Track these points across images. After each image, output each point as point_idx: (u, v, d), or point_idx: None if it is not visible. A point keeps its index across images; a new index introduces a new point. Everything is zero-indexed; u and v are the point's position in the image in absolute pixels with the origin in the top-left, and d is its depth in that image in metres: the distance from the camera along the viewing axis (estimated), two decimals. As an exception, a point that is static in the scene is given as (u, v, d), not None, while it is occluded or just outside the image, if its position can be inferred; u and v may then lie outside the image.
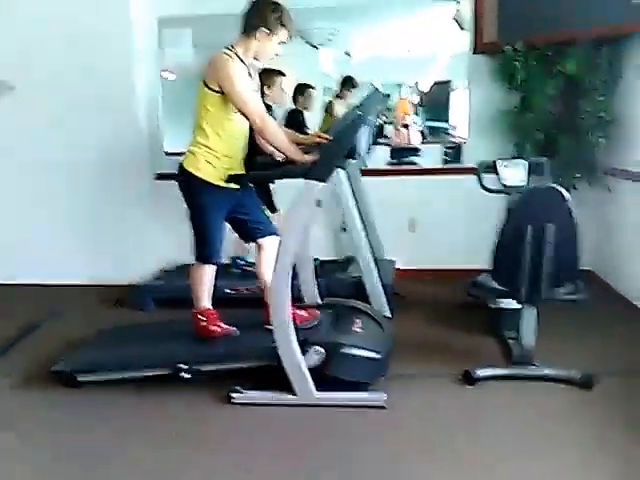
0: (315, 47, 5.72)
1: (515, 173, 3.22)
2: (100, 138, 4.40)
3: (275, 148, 2.71)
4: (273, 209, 3.99)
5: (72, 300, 4.21)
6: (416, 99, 7.13)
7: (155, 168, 4.54)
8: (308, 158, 2.56)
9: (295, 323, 2.54)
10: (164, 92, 4.69)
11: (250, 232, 2.94)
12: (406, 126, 5.69)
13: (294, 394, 2.51)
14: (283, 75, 3.98)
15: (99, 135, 4.39)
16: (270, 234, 2.89)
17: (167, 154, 4.64)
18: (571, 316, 3.19)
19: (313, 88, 5.06)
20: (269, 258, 2.82)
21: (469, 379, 2.65)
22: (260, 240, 2.90)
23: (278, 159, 3.31)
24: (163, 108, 4.66)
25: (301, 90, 4.97)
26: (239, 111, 2.63)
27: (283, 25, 2.66)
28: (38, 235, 4.58)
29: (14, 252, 4.54)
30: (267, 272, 2.82)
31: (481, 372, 2.65)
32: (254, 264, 3.89)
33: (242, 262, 4.11)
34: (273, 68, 3.87)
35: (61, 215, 4.57)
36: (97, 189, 4.50)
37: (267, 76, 3.84)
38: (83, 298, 4.27)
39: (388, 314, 3.40)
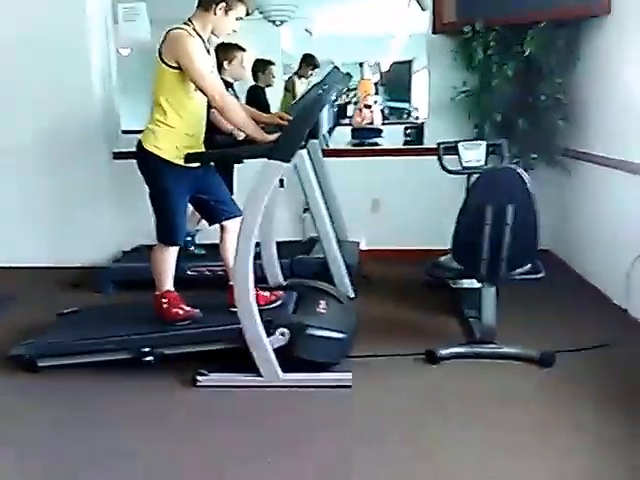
0: (275, 24, 5.64)
1: (475, 154, 3.26)
2: (55, 117, 4.26)
3: (235, 126, 2.67)
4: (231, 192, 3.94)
5: (28, 283, 4.09)
6: (377, 79, 7.13)
7: (112, 147, 4.42)
8: (269, 137, 2.54)
9: (259, 304, 2.54)
10: (120, 68, 4.56)
11: (214, 213, 2.89)
12: (369, 107, 5.70)
13: (260, 376, 2.51)
14: (243, 50, 3.89)
15: (53, 114, 4.25)
16: (235, 216, 2.85)
17: (124, 132, 4.53)
18: (530, 295, 3.26)
19: (273, 64, 4.99)
20: (233, 240, 2.79)
21: (432, 358, 2.70)
22: (225, 222, 2.86)
23: (238, 138, 3.28)
24: (119, 84, 4.53)
25: (261, 66, 4.89)
26: (197, 88, 2.58)
27: (241, 0, 2.62)
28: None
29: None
30: (231, 255, 2.81)
31: (444, 351, 2.70)
32: (196, 245, 3.91)
33: (189, 239, 3.93)
34: (232, 43, 3.79)
35: (16, 197, 4.42)
36: (52, 170, 4.35)
37: (226, 51, 3.75)
38: (40, 281, 4.14)
39: (352, 295, 3.42)
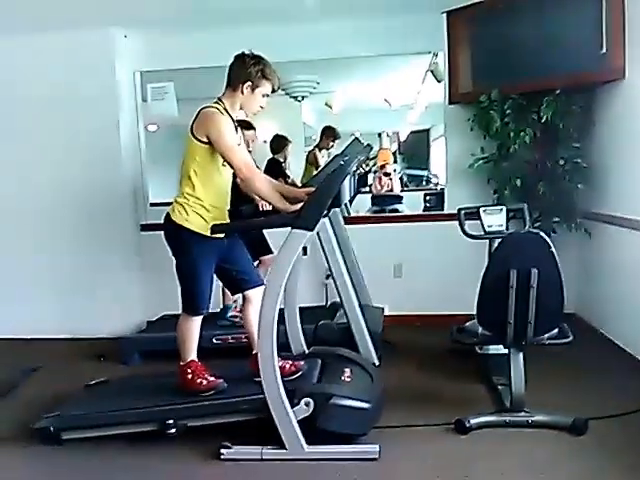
0: (297, 99, 5.86)
1: (496, 219, 3.28)
2: (86, 191, 4.43)
3: (260, 197, 2.74)
4: (268, 251, 4.00)
5: (55, 355, 4.12)
6: (395, 148, 7.29)
7: (140, 219, 4.54)
8: (292, 208, 2.60)
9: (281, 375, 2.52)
10: (148, 144, 4.75)
11: (236, 283, 2.93)
12: (388, 174, 5.81)
13: (284, 448, 2.46)
14: (252, 128, 4.01)
15: (86, 188, 4.42)
16: (257, 285, 2.88)
17: (152, 204, 4.66)
18: (558, 360, 3.20)
19: (290, 142, 5.16)
20: (256, 309, 2.81)
21: (462, 428, 2.62)
22: (247, 292, 2.89)
23: (264, 208, 3.37)
24: (147, 159, 4.71)
25: (277, 141, 5.06)
26: (226, 162, 2.67)
27: (266, 78, 2.73)
28: (20, 287, 4.53)
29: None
30: (255, 323, 2.81)
31: (473, 420, 2.63)
32: (235, 317, 3.93)
33: (229, 315, 4.01)
34: (240, 119, 3.94)
35: (45, 267, 4.53)
36: (82, 241, 4.49)
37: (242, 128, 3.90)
38: (65, 352, 4.18)
39: (376, 362, 3.38)
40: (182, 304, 2.82)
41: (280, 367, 2.58)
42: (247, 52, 2.75)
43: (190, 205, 2.72)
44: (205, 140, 2.66)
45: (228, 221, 2.86)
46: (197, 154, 2.69)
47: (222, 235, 2.78)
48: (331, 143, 5.61)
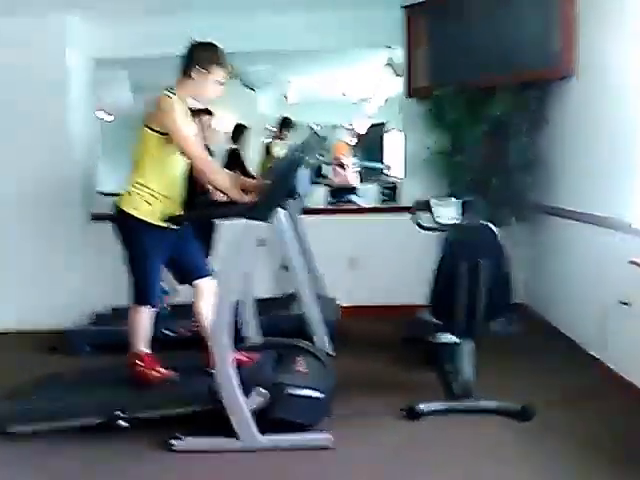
0: (253, 89, 5.84)
1: (448, 211, 3.33)
2: (35, 179, 4.29)
3: (217, 188, 2.72)
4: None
5: (4, 347, 4.00)
6: (352, 140, 7.34)
7: (90, 208, 4.44)
8: (248, 198, 2.58)
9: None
10: (104, 133, 4.64)
11: (185, 274, 2.92)
12: (343, 166, 5.85)
13: (237, 439, 2.45)
14: (210, 114, 3.95)
15: (35, 176, 4.29)
16: (205, 276, 2.87)
17: (103, 194, 4.56)
18: (507, 348, 3.28)
19: (246, 127, 5.14)
20: (206, 301, 2.82)
21: (413, 414, 2.67)
22: (195, 282, 2.87)
23: (220, 199, 3.33)
24: (100, 149, 4.61)
25: (241, 130, 5.02)
26: (181, 152, 2.63)
27: (217, 64, 2.68)
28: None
29: None
30: (207, 314, 2.80)
31: (424, 407, 2.69)
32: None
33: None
34: (199, 108, 3.88)
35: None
36: (30, 230, 4.36)
37: (193, 116, 3.84)
38: (14, 345, 4.06)
39: (331, 352, 3.39)
40: (131, 295, 2.78)
41: (236, 360, 2.58)
42: (198, 40, 2.71)
43: (140, 194, 2.67)
44: (158, 130, 2.61)
45: (181, 211, 2.83)
46: (150, 143, 2.65)
47: (174, 226, 2.74)
48: (287, 134, 5.61)
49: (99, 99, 4.54)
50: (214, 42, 2.72)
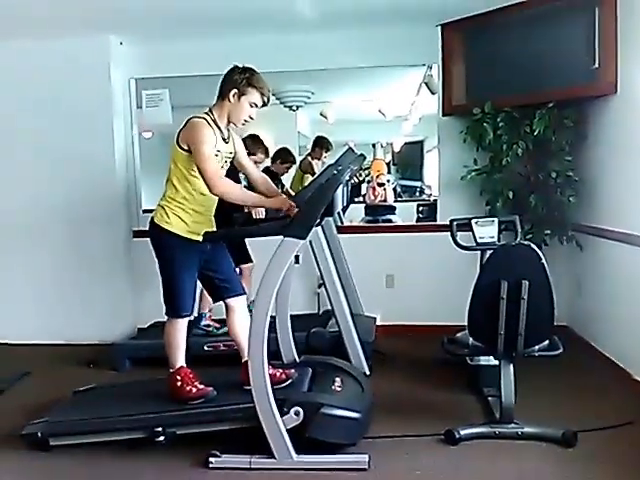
0: (292, 109, 5.89)
1: (487, 230, 3.30)
2: (80, 196, 4.41)
3: (236, 202, 2.78)
4: (248, 260, 4.00)
5: (45, 360, 4.09)
6: (389, 159, 7.33)
7: (132, 225, 4.54)
8: (274, 202, 2.69)
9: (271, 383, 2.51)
10: (142, 150, 4.75)
11: (218, 291, 2.94)
12: (382, 185, 5.84)
13: (273, 457, 2.44)
14: (265, 154, 4.12)
15: (79, 193, 4.41)
16: (237, 294, 2.90)
17: (145, 211, 4.65)
18: (549, 372, 3.20)
19: (293, 159, 5.16)
20: (240, 318, 2.87)
21: (451, 439, 2.62)
22: (228, 300, 2.90)
23: (257, 216, 3.38)
24: (141, 166, 4.72)
25: (283, 156, 5.03)
26: (198, 170, 2.68)
27: (252, 86, 2.72)
28: (12, 292, 4.51)
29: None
30: (240, 332, 2.84)
31: (463, 432, 2.63)
32: (208, 326, 3.92)
33: (202, 323, 3.95)
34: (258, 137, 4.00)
35: (37, 272, 4.51)
36: (75, 246, 4.47)
37: (254, 143, 3.93)
38: (56, 358, 4.15)
39: (367, 371, 3.37)
40: (165, 307, 2.83)
41: (271, 375, 2.58)
42: (239, 64, 2.77)
43: (171, 208, 2.74)
44: (186, 148, 2.69)
45: (214, 225, 2.88)
46: (179, 160, 2.73)
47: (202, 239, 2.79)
48: (324, 153, 5.60)
49: (140, 117, 4.65)
50: (253, 67, 2.77)
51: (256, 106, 2.77)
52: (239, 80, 2.71)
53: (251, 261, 4.04)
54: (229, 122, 2.80)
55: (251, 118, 2.80)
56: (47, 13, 3.78)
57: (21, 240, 4.48)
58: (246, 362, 2.62)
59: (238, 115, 2.77)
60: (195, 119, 2.70)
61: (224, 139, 2.78)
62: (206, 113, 2.75)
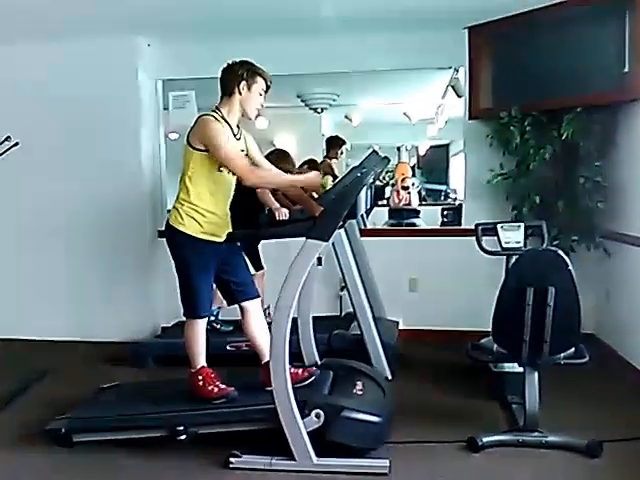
0: (317, 111, 5.89)
1: (513, 235, 3.25)
2: (106, 196, 4.47)
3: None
4: (259, 267, 4.02)
5: (70, 357, 4.15)
6: (414, 162, 7.30)
7: (157, 225, 4.59)
8: (310, 177, 2.74)
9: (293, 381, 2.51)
10: (168, 151, 4.80)
11: (233, 294, 2.96)
12: (406, 188, 5.81)
13: (293, 459, 2.44)
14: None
15: (105, 193, 4.47)
16: (253, 297, 2.91)
17: (169, 211, 4.69)
18: (574, 380, 3.15)
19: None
20: (256, 320, 2.89)
21: (474, 446, 2.59)
22: (243, 303, 2.91)
23: (280, 218, 3.39)
24: (167, 166, 4.76)
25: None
26: (226, 168, 2.70)
27: (258, 73, 2.78)
28: (38, 290, 4.58)
29: (13, 307, 4.53)
30: (258, 334, 2.87)
31: (486, 439, 2.60)
32: (222, 322, 3.95)
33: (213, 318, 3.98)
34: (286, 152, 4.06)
35: (62, 270, 4.58)
36: (100, 245, 4.53)
37: (283, 160, 3.93)
38: (81, 355, 4.21)
39: (389, 376, 3.35)
40: (183, 308, 2.85)
41: (292, 373, 2.58)
42: (232, 60, 2.82)
43: (185, 210, 2.76)
44: (199, 147, 2.70)
45: (229, 226, 2.89)
46: (191, 161, 2.74)
47: (219, 240, 2.81)
48: (338, 152, 5.58)
49: (166, 118, 4.69)
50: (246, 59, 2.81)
51: (264, 92, 2.81)
52: (244, 72, 2.75)
53: (262, 268, 4.05)
54: (242, 116, 2.82)
55: (262, 106, 2.83)
56: (76, 15, 3.84)
57: (48, 240, 4.55)
58: (266, 363, 2.65)
59: (251, 105, 2.80)
60: (204, 116, 2.73)
61: (235, 135, 2.80)
62: (213, 111, 2.77)
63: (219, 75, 2.82)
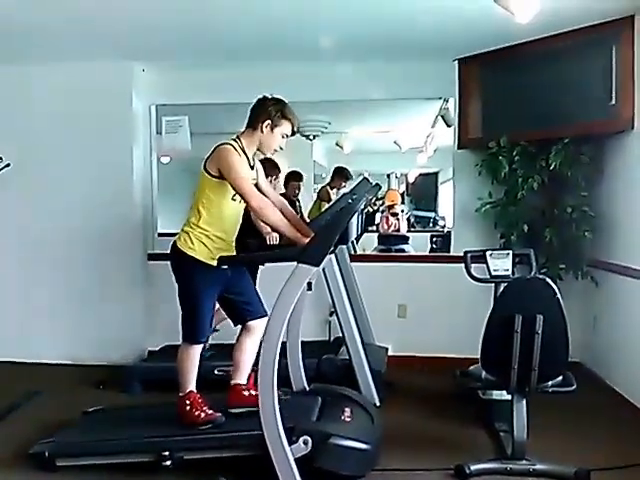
0: (308, 138, 5.96)
1: (502, 263, 3.29)
2: (96, 219, 4.45)
3: (271, 225, 2.78)
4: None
5: (56, 380, 4.09)
6: (403, 189, 7.36)
7: (147, 248, 4.58)
8: (302, 238, 2.64)
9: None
10: (160, 175, 4.82)
11: (240, 313, 2.94)
12: (395, 215, 5.86)
13: (280, 486, 2.41)
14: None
15: (96, 216, 4.45)
16: (260, 316, 2.89)
17: (160, 235, 4.70)
18: (562, 408, 3.15)
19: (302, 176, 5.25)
20: (254, 340, 2.87)
21: (462, 474, 2.57)
22: (251, 322, 2.90)
23: (271, 242, 3.40)
24: (158, 190, 4.78)
25: (296, 178, 5.11)
26: (240, 195, 2.72)
27: (285, 118, 2.80)
28: (24, 312, 4.54)
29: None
30: (248, 352, 2.87)
31: (474, 467, 2.58)
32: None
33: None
34: (274, 161, 4.03)
35: (49, 293, 4.53)
36: (88, 267, 4.49)
37: (271, 167, 3.96)
38: (66, 378, 4.15)
39: (377, 402, 3.34)
40: (182, 332, 2.83)
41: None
42: (268, 95, 2.84)
43: (195, 234, 2.77)
44: (215, 174, 2.73)
45: (234, 251, 2.90)
46: (206, 187, 2.77)
47: (226, 266, 2.80)
48: (343, 183, 5.65)
49: (159, 142, 4.72)
50: (281, 98, 2.83)
51: (287, 136, 2.84)
52: (273, 112, 2.77)
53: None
54: (258, 150, 2.85)
55: (281, 148, 2.87)
56: (75, 40, 3.88)
57: (36, 259, 4.52)
58: (235, 385, 2.74)
59: (270, 145, 2.83)
60: (224, 146, 2.75)
61: (250, 166, 2.83)
62: (234, 140, 2.79)
63: (242, 100, 2.86)
